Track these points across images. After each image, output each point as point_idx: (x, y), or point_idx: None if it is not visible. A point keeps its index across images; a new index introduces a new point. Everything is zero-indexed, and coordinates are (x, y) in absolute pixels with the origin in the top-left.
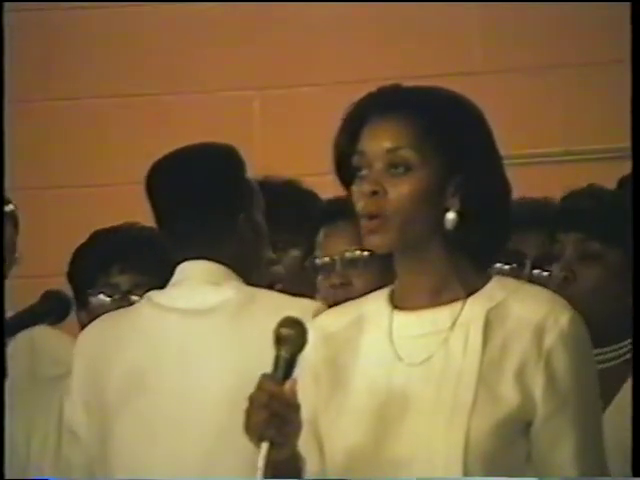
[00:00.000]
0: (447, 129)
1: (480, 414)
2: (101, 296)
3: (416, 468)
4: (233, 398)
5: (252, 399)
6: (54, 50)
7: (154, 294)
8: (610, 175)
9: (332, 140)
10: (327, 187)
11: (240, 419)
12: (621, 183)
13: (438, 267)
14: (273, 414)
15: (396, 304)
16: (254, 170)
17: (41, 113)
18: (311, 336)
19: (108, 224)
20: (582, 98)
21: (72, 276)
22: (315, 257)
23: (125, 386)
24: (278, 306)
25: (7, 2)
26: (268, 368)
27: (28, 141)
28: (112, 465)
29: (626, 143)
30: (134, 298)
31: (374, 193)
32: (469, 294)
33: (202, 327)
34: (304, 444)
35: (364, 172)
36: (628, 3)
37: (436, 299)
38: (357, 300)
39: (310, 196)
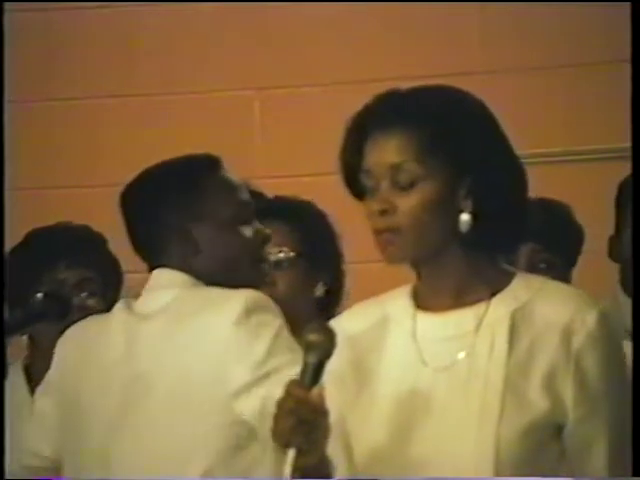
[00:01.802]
0: (450, 133)
1: (509, 420)
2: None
3: (442, 473)
4: (177, 396)
5: (280, 405)
6: (54, 50)
7: (127, 300)
8: (610, 175)
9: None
10: (327, 187)
11: (186, 419)
12: (621, 187)
13: (459, 268)
14: (301, 420)
15: (419, 305)
16: (254, 170)
17: (41, 113)
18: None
19: (108, 224)
20: (582, 98)
21: (10, 275)
22: None
23: (97, 390)
24: (212, 300)
25: (7, 2)
26: (207, 363)
27: (28, 141)
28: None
29: (626, 143)
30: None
31: (384, 212)
32: (493, 294)
33: (148, 329)
34: (333, 448)
35: (372, 188)
36: (628, 3)
37: (460, 300)
38: (380, 299)
39: (257, 195)
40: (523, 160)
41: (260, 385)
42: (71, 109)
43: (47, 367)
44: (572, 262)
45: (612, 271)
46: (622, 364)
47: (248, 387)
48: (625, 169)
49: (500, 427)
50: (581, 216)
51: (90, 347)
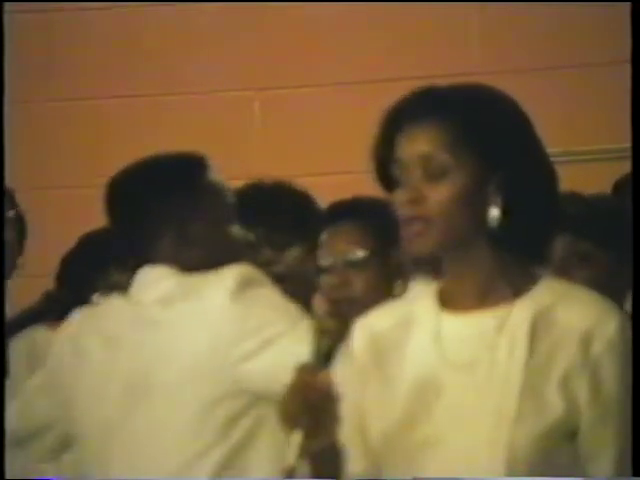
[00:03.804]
0: (482, 129)
1: (524, 423)
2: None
3: (460, 470)
4: (184, 373)
5: (288, 388)
6: (54, 51)
7: (123, 292)
8: (610, 175)
9: (357, 141)
10: (327, 187)
11: (190, 392)
12: (617, 186)
13: (484, 266)
14: (308, 404)
15: (444, 304)
16: (254, 170)
17: (41, 113)
18: (360, 335)
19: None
20: (582, 98)
21: (66, 280)
22: (318, 257)
23: (100, 381)
24: (205, 280)
25: (8, 2)
26: (208, 340)
27: (28, 141)
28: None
29: (626, 143)
30: None
31: (413, 201)
32: (516, 296)
33: (146, 317)
34: (350, 442)
35: (403, 179)
36: (628, 3)
37: (483, 301)
38: (405, 298)
39: (305, 196)
40: None
41: (264, 351)
42: (71, 109)
43: None
44: (621, 258)
45: None
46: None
47: (251, 354)
48: (625, 169)
49: (515, 429)
50: None
51: (90, 336)
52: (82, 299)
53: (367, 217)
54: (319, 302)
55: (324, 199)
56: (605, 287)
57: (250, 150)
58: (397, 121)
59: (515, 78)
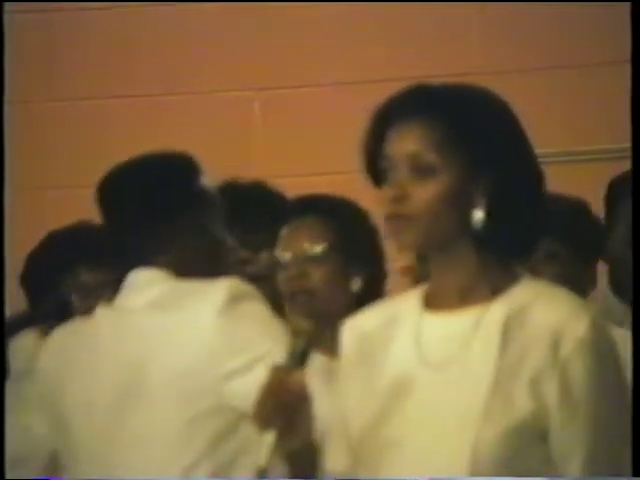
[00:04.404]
0: (471, 130)
1: (491, 421)
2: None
3: (423, 470)
4: (173, 383)
5: (262, 389)
6: (54, 51)
7: (109, 301)
8: (610, 175)
9: (357, 141)
10: (326, 187)
11: (177, 406)
12: (612, 185)
13: (467, 267)
14: (281, 404)
15: (427, 304)
16: (254, 170)
17: (42, 113)
18: (348, 334)
19: None
20: (582, 98)
21: (30, 279)
22: (277, 251)
23: (89, 389)
24: (197, 290)
25: (8, 2)
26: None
27: (28, 141)
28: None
29: (626, 143)
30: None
31: (398, 199)
32: (495, 295)
33: (135, 324)
34: (332, 442)
35: (390, 175)
36: (628, 3)
37: (463, 300)
38: (393, 299)
39: (280, 196)
40: None
41: (250, 370)
42: (71, 109)
43: None
44: (587, 257)
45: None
46: (611, 372)
47: (238, 372)
48: (624, 169)
49: (482, 428)
50: None
51: (76, 349)
52: (57, 303)
53: (327, 213)
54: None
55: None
56: (571, 284)
57: (250, 150)
58: (388, 117)
59: (515, 78)
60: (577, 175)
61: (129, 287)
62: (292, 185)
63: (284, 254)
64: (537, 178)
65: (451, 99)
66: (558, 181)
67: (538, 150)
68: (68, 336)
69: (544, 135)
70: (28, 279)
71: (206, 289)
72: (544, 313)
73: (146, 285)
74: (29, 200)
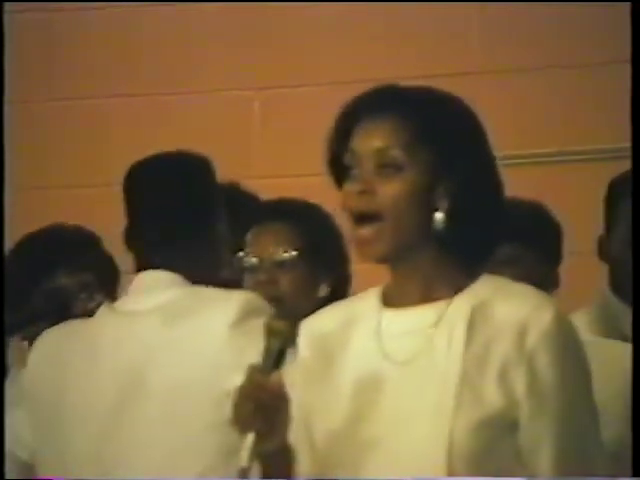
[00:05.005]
0: (437, 130)
1: (463, 414)
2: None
3: (400, 469)
4: (176, 393)
5: (239, 390)
6: (54, 50)
7: (111, 303)
8: (609, 175)
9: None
10: (327, 187)
11: (180, 418)
12: (610, 186)
13: (428, 267)
14: (260, 405)
15: (386, 303)
16: (253, 170)
17: (41, 113)
18: (303, 337)
19: (108, 224)
20: (582, 98)
21: (7, 280)
22: (243, 255)
23: (86, 392)
24: (209, 300)
25: (7, 2)
26: (202, 364)
27: (28, 141)
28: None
29: (626, 143)
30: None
31: (363, 192)
32: (456, 292)
33: (141, 327)
34: (297, 442)
35: (355, 171)
36: (628, 3)
37: (425, 297)
38: (350, 299)
39: (253, 198)
40: (522, 160)
41: None
42: (71, 109)
43: None
44: (549, 259)
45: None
46: (577, 364)
47: None
48: (624, 169)
49: (454, 420)
50: (580, 216)
51: (74, 351)
52: (22, 304)
53: (295, 218)
54: None
55: (324, 199)
56: (532, 285)
57: (250, 150)
58: (355, 114)
59: (515, 78)
60: (577, 175)
61: (138, 288)
62: (292, 185)
63: (251, 259)
64: (497, 181)
65: (418, 99)
66: (558, 180)
67: (537, 150)
68: (64, 337)
69: (544, 135)
70: (6, 281)
71: (220, 300)
72: (508, 306)
73: (157, 287)
74: (29, 200)
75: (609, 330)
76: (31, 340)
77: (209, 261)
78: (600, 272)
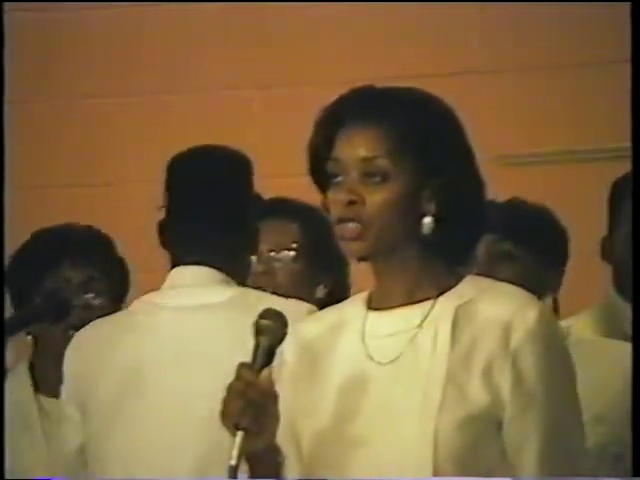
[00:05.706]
0: (421, 133)
1: (448, 412)
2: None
3: (387, 468)
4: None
5: (229, 388)
6: (54, 50)
7: (148, 296)
8: (610, 175)
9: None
10: None
11: None
12: (613, 187)
13: (413, 269)
14: (249, 403)
15: (372, 306)
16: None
17: (41, 113)
18: (291, 343)
19: (108, 223)
20: (582, 98)
21: (14, 278)
22: None
23: (122, 387)
24: (272, 305)
25: (7, 2)
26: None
27: (28, 141)
28: (108, 464)
29: (626, 143)
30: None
31: (351, 202)
32: (441, 293)
33: (200, 324)
34: (283, 444)
35: (339, 179)
36: (628, 3)
37: (409, 299)
38: (338, 305)
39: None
40: (522, 160)
41: None
42: (71, 109)
43: (49, 366)
44: (553, 262)
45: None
46: (562, 362)
47: None
48: (625, 169)
49: (440, 419)
50: (580, 216)
51: (114, 349)
52: (29, 297)
53: (296, 217)
54: None
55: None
56: (526, 285)
57: (250, 150)
58: (337, 119)
59: (515, 77)
60: (577, 174)
61: (180, 283)
62: (292, 185)
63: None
64: (480, 184)
65: (399, 102)
66: (557, 180)
67: (538, 150)
68: (99, 336)
69: (544, 135)
70: (12, 279)
71: (287, 308)
72: (493, 306)
73: (199, 284)
74: (29, 200)
75: (613, 330)
76: (35, 336)
77: (244, 259)
78: (603, 272)
